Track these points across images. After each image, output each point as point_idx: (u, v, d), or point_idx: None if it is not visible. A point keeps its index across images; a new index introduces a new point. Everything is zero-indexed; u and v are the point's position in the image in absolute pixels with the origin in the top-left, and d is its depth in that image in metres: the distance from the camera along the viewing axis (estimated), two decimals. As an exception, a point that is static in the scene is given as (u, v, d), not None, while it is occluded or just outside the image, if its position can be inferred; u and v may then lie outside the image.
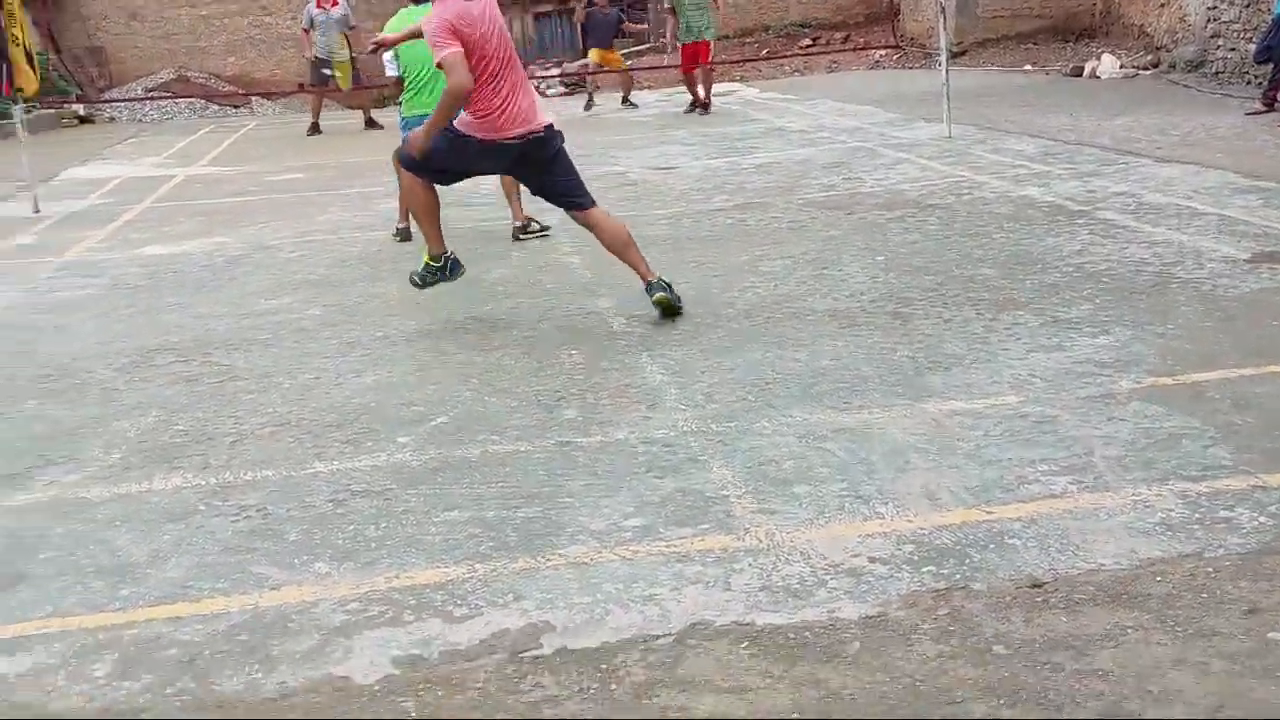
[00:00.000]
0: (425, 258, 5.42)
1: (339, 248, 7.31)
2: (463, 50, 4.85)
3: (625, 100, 15.32)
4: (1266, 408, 3.69)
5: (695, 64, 13.53)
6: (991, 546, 2.93)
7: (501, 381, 4.48)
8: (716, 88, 14.38)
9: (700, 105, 13.65)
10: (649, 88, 18.67)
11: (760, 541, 3.04)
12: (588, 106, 15.14)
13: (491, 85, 4.97)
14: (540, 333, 5.14)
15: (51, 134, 16.53)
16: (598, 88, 15.85)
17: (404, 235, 7.24)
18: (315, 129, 14.28)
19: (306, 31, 14.42)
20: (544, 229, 7.09)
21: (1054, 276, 5.41)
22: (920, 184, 8.01)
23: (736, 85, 17.27)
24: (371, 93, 14.59)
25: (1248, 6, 11.70)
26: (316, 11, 14.18)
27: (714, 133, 11.80)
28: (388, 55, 6.82)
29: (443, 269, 5.43)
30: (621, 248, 5.26)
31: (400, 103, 6.88)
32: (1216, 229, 6.06)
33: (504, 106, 5.00)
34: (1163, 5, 14.68)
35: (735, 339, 4.82)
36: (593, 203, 5.32)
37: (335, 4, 14.30)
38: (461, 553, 3.07)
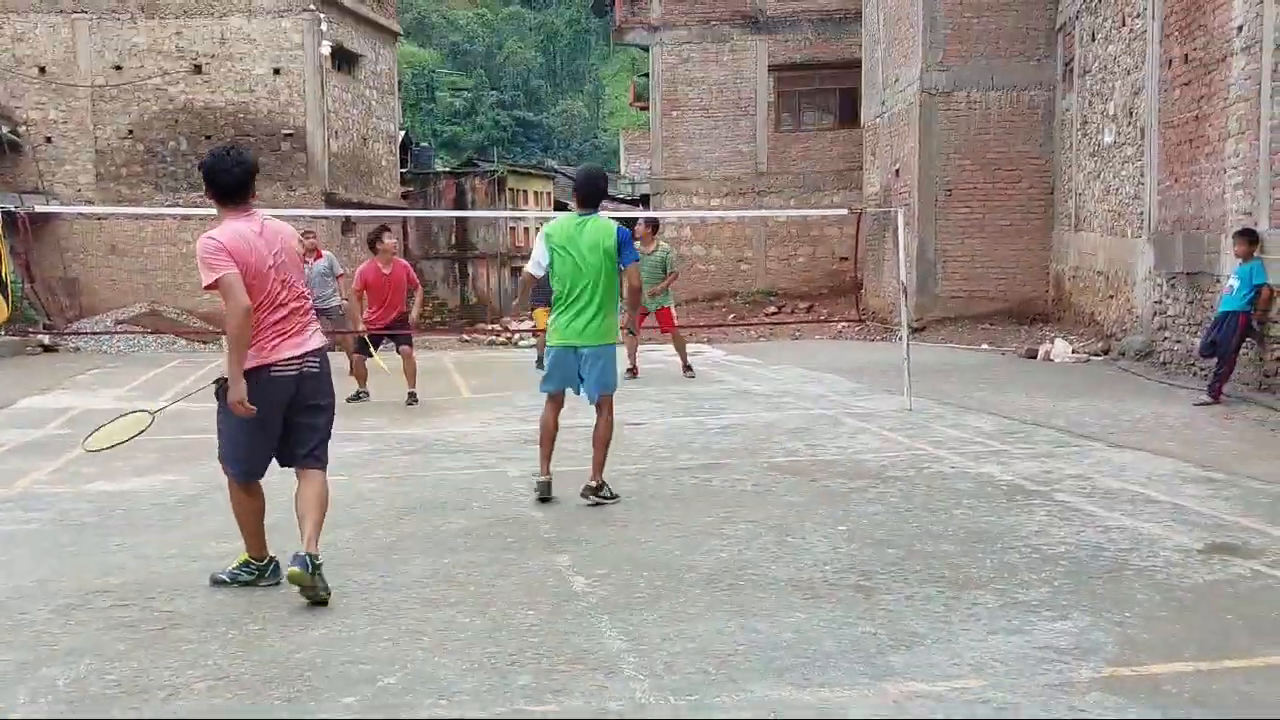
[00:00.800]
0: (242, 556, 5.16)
1: (292, 493, 7.21)
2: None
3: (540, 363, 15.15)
4: (1224, 704, 3.64)
5: (641, 327, 13.66)
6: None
7: (455, 641, 4.35)
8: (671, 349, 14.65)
9: (685, 368, 13.61)
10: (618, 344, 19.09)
11: (717, 830, 2.88)
12: (539, 364, 14.86)
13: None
14: (498, 590, 5.03)
15: (14, 361, 16.56)
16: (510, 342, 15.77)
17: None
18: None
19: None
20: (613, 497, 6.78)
21: (1013, 557, 5.41)
22: (881, 454, 8.11)
23: (704, 347, 17.70)
24: (351, 339, 14.79)
25: (1191, 303, 12.25)
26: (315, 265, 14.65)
27: (681, 391, 11.99)
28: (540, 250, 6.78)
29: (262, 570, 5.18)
30: (310, 510, 5.00)
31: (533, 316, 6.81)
32: (1169, 517, 6.13)
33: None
34: (1111, 296, 15.38)
35: (697, 606, 4.74)
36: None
37: (320, 255, 14.71)
38: (400, 830, 2.89)
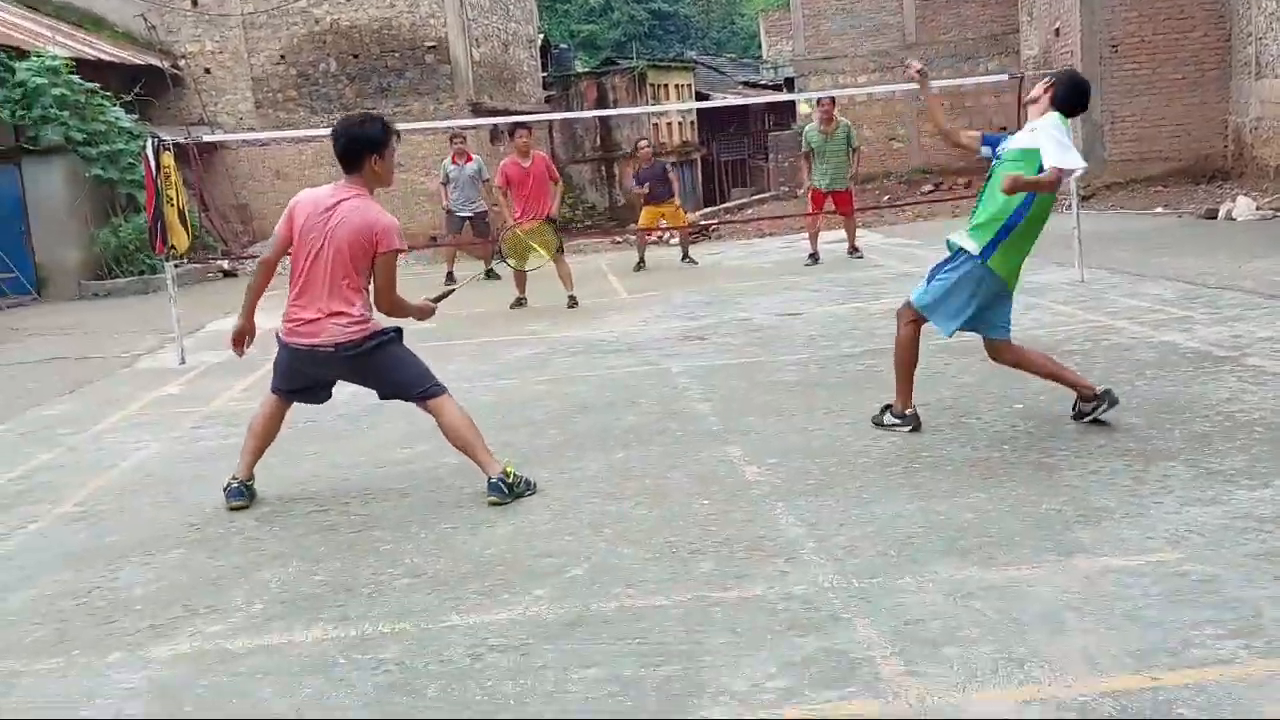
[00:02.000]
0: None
1: (469, 396, 7.41)
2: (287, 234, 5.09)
3: (686, 257, 14.93)
4: None
5: (822, 210, 13.55)
6: (1159, 716, 2.76)
7: (635, 532, 4.45)
8: (838, 233, 14.44)
9: (851, 249, 13.64)
10: (770, 235, 18.90)
11: (910, 707, 2.91)
12: (637, 268, 14.51)
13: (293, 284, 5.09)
14: (672, 482, 5.11)
15: (198, 288, 17.37)
16: (660, 240, 15.53)
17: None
18: (450, 278, 14.75)
19: (444, 185, 15.04)
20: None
21: (1204, 426, 5.21)
22: (1055, 329, 7.86)
23: (860, 231, 17.33)
24: (494, 245, 15.01)
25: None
26: (452, 168, 14.84)
27: (839, 278, 11.83)
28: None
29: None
30: (463, 444, 5.06)
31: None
32: (1376, 374, 5.80)
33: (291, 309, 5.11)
34: (1297, 145, 14.42)
35: (872, 490, 4.72)
36: (438, 392, 5.11)
37: (470, 159, 14.91)
38: (600, 712, 3.00)
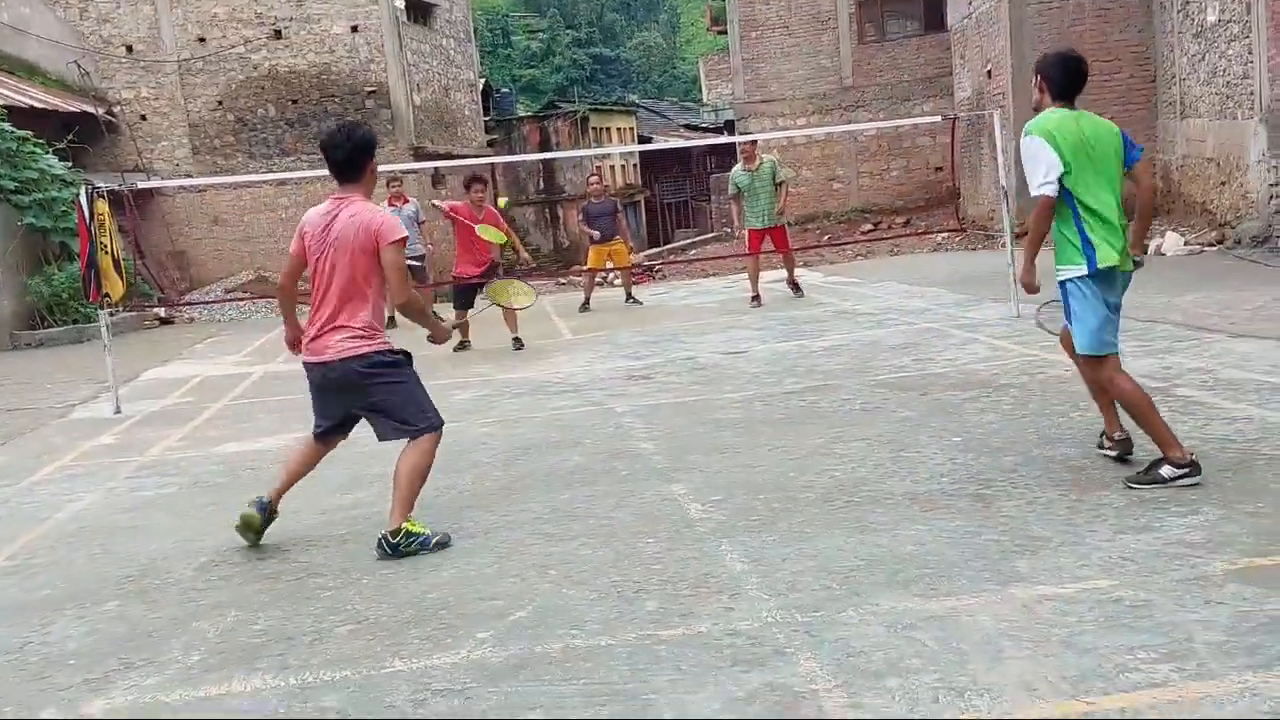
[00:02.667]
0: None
1: (414, 440, 7.39)
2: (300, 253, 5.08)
3: (629, 298, 14.95)
4: (1378, 588, 3.54)
5: (760, 250, 13.65)
6: (1099, 742, 2.80)
7: (580, 573, 4.44)
8: (780, 272, 14.56)
9: (791, 285, 13.65)
10: (714, 275, 19.05)
11: (854, 739, 2.92)
12: (583, 308, 14.64)
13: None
14: (617, 521, 5.11)
15: (134, 336, 17.13)
16: (604, 282, 15.34)
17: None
18: (391, 321, 14.67)
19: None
20: None
21: (1136, 455, 5.29)
22: (992, 363, 7.98)
23: (800, 270, 17.52)
24: (431, 291, 14.95)
25: (1309, 180, 11.75)
26: (389, 209, 14.81)
27: (781, 316, 11.94)
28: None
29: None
30: (403, 483, 4.99)
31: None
32: (1301, 402, 5.95)
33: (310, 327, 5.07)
34: (1223, 183, 14.82)
35: (815, 525, 4.76)
36: (436, 427, 5.13)
37: (406, 201, 14.91)
38: (545, 755, 2.99)
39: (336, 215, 4.95)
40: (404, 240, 4.98)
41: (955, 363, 8.15)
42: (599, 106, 45.70)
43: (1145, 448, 5.06)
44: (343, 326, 4.95)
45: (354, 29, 23.96)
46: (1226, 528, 4.23)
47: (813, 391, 7.65)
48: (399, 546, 4.85)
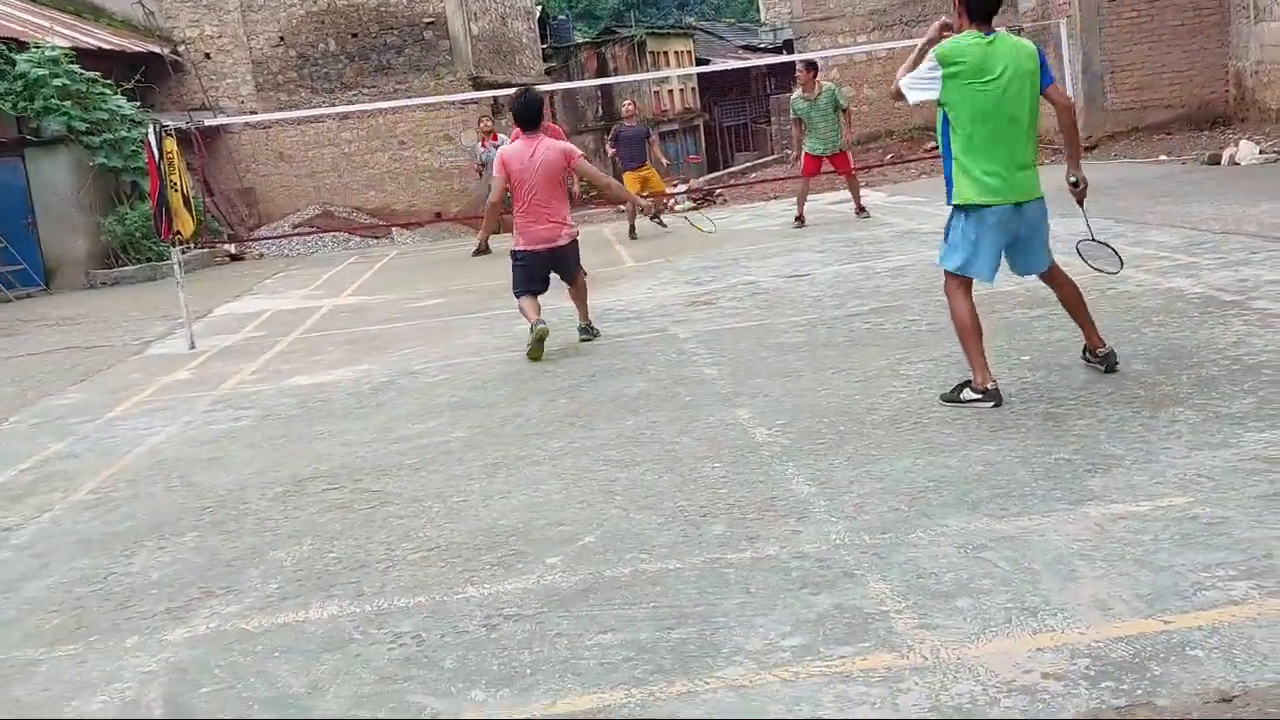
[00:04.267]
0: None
1: (480, 370, 7.46)
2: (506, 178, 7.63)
3: (654, 217, 14.66)
4: None
5: (816, 173, 13.50)
6: (1173, 659, 2.77)
7: (647, 498, 4.47)
8: (843, 193, 14.37)
9: (858, 209, 13.50)
10: (775, 198, 18.85)
11: (925, 659, 2.92)
12: (631, 235, 14.61)
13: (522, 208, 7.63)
14: (682, 446, 5.12)
15: (205, 272, 17.41)
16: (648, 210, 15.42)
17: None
18: (482, 249, 14.73)
19: (479, 171, 15.91)
20: None
21: (1211, 370, 5.19)
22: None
23: (863, 191, 17.28)
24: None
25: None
26: (482, 150, 15.61)
27: (844, 238, 11.79)
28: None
29: None
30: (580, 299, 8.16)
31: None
32: (1386, 313, 5.77)
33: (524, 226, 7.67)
34: (1302, 87, 14.29)
35: (882, 447, 4.73)
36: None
37: (496, 138, 15.03)
38: (617, 677, 3.02)
39: (536, 149, 7.49)
40: (585, 155, 7.86)
41: (1022, 281, 7.98)
42: (656, 30, 45.12)
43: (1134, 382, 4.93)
44: (561, 221, 7.63)
45: (410, -42, 23.81)
46: (1306, 442, 4.13)
47: (877, 314, 7.56)
48: (587, 329, 8.02)
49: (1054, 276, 5.51)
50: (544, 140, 7.59)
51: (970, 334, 5.21)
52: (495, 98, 22.14)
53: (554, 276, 7.85)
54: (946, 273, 5.33)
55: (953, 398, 5.21)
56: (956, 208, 5.19)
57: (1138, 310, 6.60)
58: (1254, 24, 16.01)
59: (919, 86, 5.12)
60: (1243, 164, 13.45)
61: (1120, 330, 6.17)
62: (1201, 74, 17.44)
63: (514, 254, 7.75)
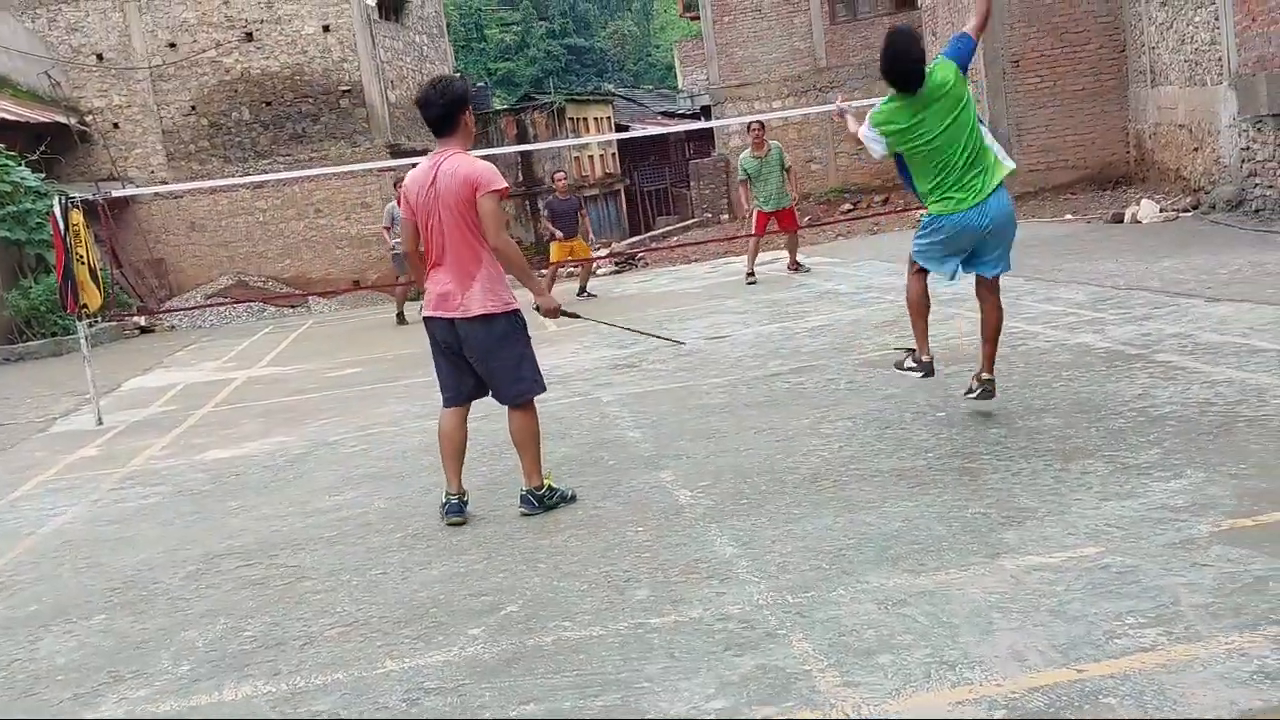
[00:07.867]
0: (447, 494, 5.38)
1: (399, 439, 7.38)
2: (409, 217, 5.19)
3: (582, 290, 15.01)
4: (1362, 545, 3.56)
5: (764, 232, 13.84)
6: (1086, 707, 2.81)
7: (570, 564, 4.44)
8: (762, 255, 14.59)
9: (792, 265, 14.00)
10: (695, 261, 19.03)
11: (848, 717, 2.92)
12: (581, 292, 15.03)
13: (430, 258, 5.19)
14: (605, 511, 5.10)
15: (114, 346, 17.06)
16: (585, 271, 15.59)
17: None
18: (401, 318, 14.68)
19: (387, 229, 15.18)
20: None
21: (1119, 422, 5.32)
22: (974, 337, 7.96)
23: (781, 252, 17.54)
24: (409, 288, 14.91)
25: (1281, 143, 11.79)
26: (398, 210, 15.04)
27: (764, 299, 11.93)
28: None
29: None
30: (523, 442, 5.30)
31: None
32: (1278, 365, 5.97)
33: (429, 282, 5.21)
34: (1195, 149, 14.85)
35: (803, 505, 4.76)
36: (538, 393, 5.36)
37: None
38: (539, 747, 2.98)
39: (437, 170, 5.05)
40: (504, 190, 5.08)
41: (938, 338, 8.14)
42: (575, 97, 45.61)
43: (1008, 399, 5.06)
44: (465, 276, 5.07)
45: (325, 28, 23.86)
46: (1210, 490, 4.24)
47: (797, 373, 7.65)
48: (543, 499, 5.24)
49: (992, 294, 6.00)
50: (451, 157, 5.05)
51: (918, 312, 5.97)
52: (415, 164, 22.16)
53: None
54: (910, 258, 6.03)
55: (899, 365, 6.05)
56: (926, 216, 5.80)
57: (1048, 365, 6.75)
58: (1151, 88, 16.67)
59: (872, 140, 5.68)
60: (1144, 222, 13.90)
61: (1032, 385, 6.31)
62: (1103, 136, 18.07)
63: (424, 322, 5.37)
